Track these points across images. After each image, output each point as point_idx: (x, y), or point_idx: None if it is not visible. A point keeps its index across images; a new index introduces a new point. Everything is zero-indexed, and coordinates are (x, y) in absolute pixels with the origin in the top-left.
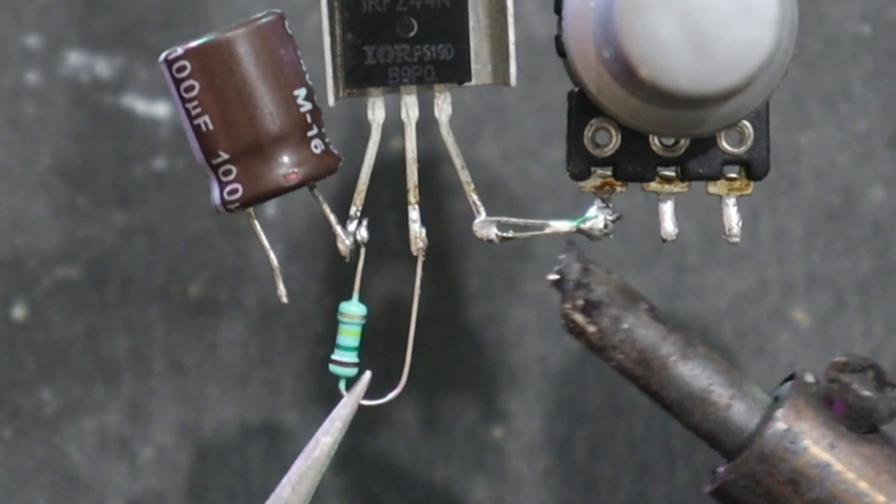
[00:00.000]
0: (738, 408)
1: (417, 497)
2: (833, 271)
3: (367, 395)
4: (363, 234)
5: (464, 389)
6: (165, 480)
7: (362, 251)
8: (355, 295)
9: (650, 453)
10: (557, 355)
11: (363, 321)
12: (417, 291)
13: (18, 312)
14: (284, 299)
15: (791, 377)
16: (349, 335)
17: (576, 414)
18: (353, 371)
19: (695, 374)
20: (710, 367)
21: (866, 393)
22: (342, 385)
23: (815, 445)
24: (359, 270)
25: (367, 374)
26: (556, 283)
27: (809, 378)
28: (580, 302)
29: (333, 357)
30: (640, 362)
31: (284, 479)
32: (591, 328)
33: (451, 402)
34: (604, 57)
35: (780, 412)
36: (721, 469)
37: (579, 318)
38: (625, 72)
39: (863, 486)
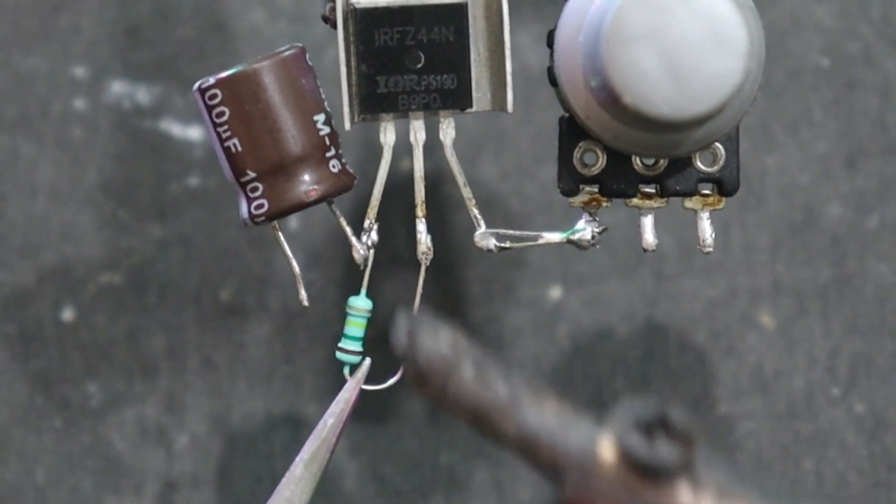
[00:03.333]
0: (566, 450)
1: (424, 479)
2: (796, 279)
3: (375, 383)
4: (374, 237)
5: None
6: (199, 465)
7: (371, 252)
8: (363, 290)
9: None
10: (549, 354)
11: (369, 314)
12: (420, 291)
13: (67, 314)
14: (305, 303)
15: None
16: (355, 326)
17: None
18: (356, 359)
19: (524, 423)
20: (536, 417)
21: (640, 448)
22: (346, 371)
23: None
24: (367, 269)
25: (367, 361)
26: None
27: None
28: (409, 374)
29: (340, 345)
30: (474, 421)
31: (297, 458)
32: (426, 394)
33: None
34: (591, 86)
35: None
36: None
37: (415, 387)
38: (610, 99)
39: None
